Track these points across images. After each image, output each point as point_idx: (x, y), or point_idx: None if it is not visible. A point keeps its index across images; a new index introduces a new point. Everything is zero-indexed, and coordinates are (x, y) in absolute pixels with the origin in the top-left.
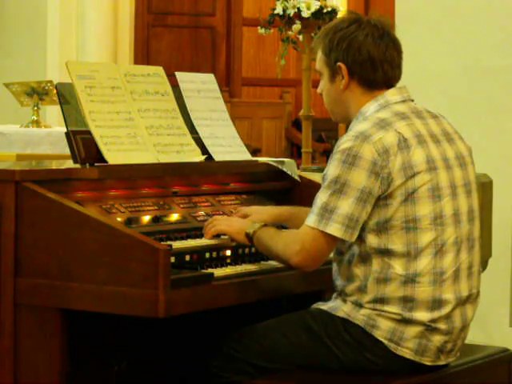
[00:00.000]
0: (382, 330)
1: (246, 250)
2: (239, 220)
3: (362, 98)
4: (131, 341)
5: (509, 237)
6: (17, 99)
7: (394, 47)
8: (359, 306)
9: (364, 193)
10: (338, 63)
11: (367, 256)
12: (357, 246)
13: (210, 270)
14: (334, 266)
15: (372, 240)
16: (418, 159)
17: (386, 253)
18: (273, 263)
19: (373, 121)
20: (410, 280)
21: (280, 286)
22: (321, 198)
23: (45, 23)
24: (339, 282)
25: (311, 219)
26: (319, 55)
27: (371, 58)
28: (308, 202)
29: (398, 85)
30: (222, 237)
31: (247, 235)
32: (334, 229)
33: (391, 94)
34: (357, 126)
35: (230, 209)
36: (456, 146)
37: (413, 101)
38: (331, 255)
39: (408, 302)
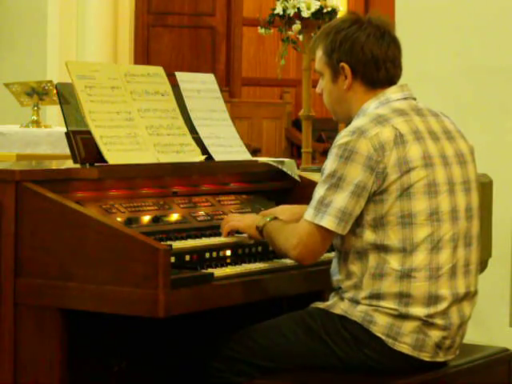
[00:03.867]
0: (380, 325)
1: (246, 250)
2: (252, 215)
3: (364, 96)
4: (131, 341)
5: (509, 237)
6: (17, 99)
7: (395, 46)
8: (356, 302)
9: (359, 187)
10: (342, 63)
11: (364, 252)
12: (353, 242)
13: (209, 270)
14: (333, 263)
15: (369, 236)
16: (413, 155)
17: (382, 248)
18: (273, 263)
19: (371, 116)
20: (406, 275)
21: (280, 286)
22: (318, 192)
23: (45, 23)
24: (336, 278)
25: (309, 213)
26: (319, 55)
27: (374, 58)
28: (308, 202)
29: (400, 83)
30: (237, 235)
31: (257, 228)
32: (328, 221)
33: (392, 92)
34: (355, 122)
35: (230, 209)
36: (456, 143)
37: (415, 99)
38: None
39: (404, 297)
